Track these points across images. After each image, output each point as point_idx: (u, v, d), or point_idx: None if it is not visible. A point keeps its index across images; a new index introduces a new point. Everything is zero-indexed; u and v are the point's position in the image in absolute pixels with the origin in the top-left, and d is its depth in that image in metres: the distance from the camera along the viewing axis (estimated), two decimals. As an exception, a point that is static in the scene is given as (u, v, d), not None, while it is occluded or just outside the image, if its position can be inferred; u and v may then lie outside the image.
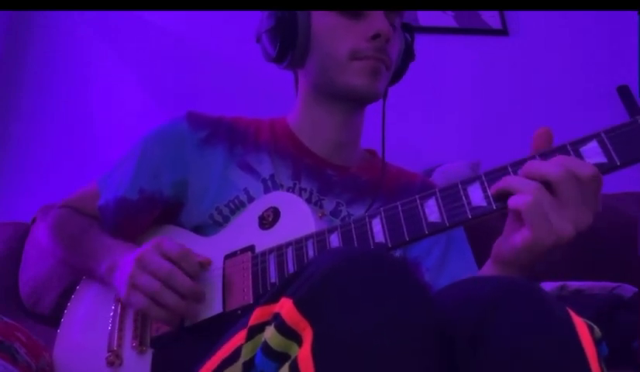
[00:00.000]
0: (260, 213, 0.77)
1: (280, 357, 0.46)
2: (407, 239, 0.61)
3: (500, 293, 0.48)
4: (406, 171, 0.98)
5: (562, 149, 0.56)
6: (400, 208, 0.62)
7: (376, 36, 0.80)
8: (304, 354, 0.43)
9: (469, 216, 0.58)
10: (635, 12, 1.90)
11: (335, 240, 0.65)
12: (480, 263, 0.87)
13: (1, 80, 1.77)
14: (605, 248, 1.34)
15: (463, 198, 0.59)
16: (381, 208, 0.64)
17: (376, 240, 0.62)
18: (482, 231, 1.00)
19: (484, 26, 2.01)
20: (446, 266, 0.86)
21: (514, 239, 0.56)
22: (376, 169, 0.92)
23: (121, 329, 0.77)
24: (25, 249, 1.32)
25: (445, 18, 1.99)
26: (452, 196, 0.59)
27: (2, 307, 1.20)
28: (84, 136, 1.76)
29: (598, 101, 1.88)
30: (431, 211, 0.60)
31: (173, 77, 1.85)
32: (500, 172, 0.58)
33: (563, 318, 0.47)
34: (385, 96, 0.89)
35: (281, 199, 0.77)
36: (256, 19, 0.91)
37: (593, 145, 0.55)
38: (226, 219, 0.83)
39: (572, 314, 0.48)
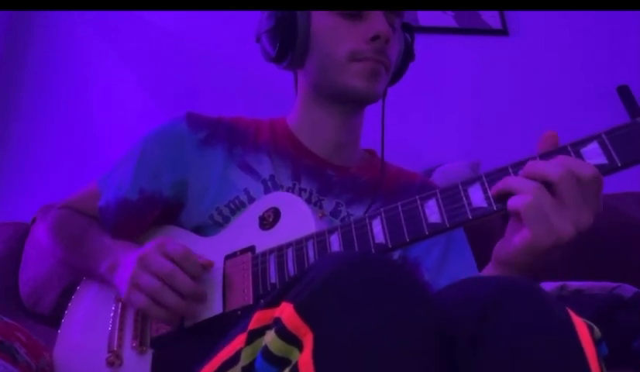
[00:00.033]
0: (261, 213, 0.77)
1: (281, 362, 0.46)
2: (408, 240, 0.61)
3: (500, 293, 0.48)
4: (406, 171, 0.98)
5: (562, 150, 0.56)
6: (400, 208, 0.62)
7: (375, 38, 0.80)
8: (304, 360, 0.43)
9: (470, 217, 0.58)
10: (636, 12, 1.90)
11: (335, 241, 0.65)
12: (480, 264, 0.87)
13: (1, 80, 1.77)
14: (605, 248, 1.34)
15: (464, 198, 0.59)
16: (381, 209, 0.64)
17: (377, 241, 0.62)
18: (482, 232, 1.00)
19: (484, 26, 2.01)
20: (446, 266, 0.86)
21: (513, 240, 0.56)
22: (376, 169, 0.92)
23: (121, 330, 0.77)
24: (25, 249, 1.32)
25: (445, 18, 1.99)
26: (452, 197, 0.59)
27: (2, 307, 1.20)
28: (84, 136, 1.76)
29: (598, 101, 1.88)
30: (432, 211, 0.60)
31: (173, 77, 1.85)
32: (500, 173, 0.58)
33: (563, 318, 0.47)
34: (385, 96, 0.89)
35: (282, 199, 0.77)
36: (256, 19, 0.91)
37: (594, 146, 0.55)
38: (226, 220, 0.83)
39: (572, 314, 0.48)
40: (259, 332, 0.50)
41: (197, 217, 0.85)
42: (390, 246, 0.62)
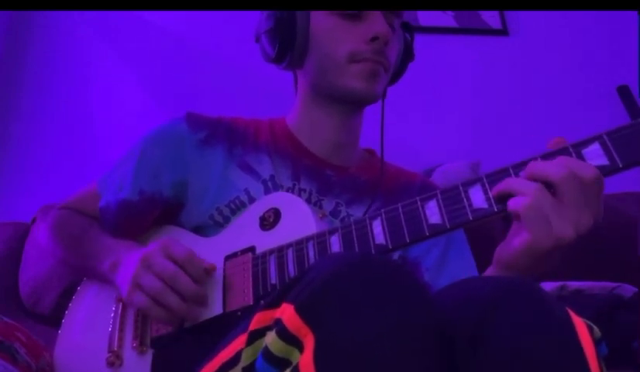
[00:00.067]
0: (261, 214, 0.77)
1: (282, 363, 0.46)
2: (408, 241, 0.61)
3: (500, 293, 0.48)
4: (405, 171, 0.98)
5: (563, 151, 0.56)
6: (400, 209, 0.62)
7: (374, 39, 0.80)
8: (305, 360, 0.43)
9: (470, 218, 0.58)
10: (635, 12, 1.90)
11: (335, 242, 0.65)
12: (480, 266, 0.87)
13: (1, 80, 1.77)
14: (605, 248, 1.34)
15: (464, 199, 0.59)
16: (382, 210, 0.64)
17: (377, 242, 0.62)
18: (482, 234, 1.00)
19: (484, 26, 2.01)
20: (446, 266, 0.86)
21: (514, 242, 0.56)
22: (376, 169, 0.92)
23: (121, 330, 0.77)
24: (25, 249, 1.32)
25: (445, 18, 1.99)
26: (453, 198, 0.59)
27: (2, 307, 1.20)
28: (84, 136, 1.76)
29: (598, 101, 1.88)
30: (432, 212, 0.60)
31: (173, 77, 1.85)
32: (501, 174, 0.58)
33: (563, 318, 0.47)
34: (384, 96, 0.89)
35: (282, 200, 0.77)
36: (256, 19, 0.91)
37: (595, 147, 0.55)
38: (227, 220, 0.83)
39: (572, 314, 0.48)
40: (260, 333, 0.50)
41: (198, 217, 0.85)
42: (390, 247, 0.62)
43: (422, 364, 0.43)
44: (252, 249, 0.73)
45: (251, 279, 0.70)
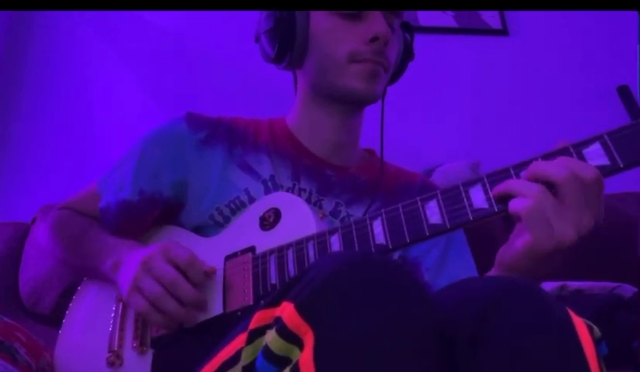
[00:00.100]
0: (261, 214, 0.77)
1: (282, 361, 0.46)
2: (408, 241, 0.61)
3: (500, 293, 0.48)
4: (405, 171, 0.98)
5: (564, 151, 0.56)
6: (401, 209, 0.62)
7: (374, 39, 0.80)
8: (305, 358, 0.43)
9: (471, 218, 0.58)
10: (635, 12, 1.90)
11: (335, 242, 0.65)
12: (480, 266, 0.87)
13: (1, 80, 1.77)
14: (605, 248, 1.34)
15: (465, 199, 0.59)
16: (382, 210, 0.64)
17: (377, 242, 0.62)
18: (482, 234, 1.00)
19: (484, 26, 2.01)
20: (445, 266, 0.86)
21: (515, 244, 0.56)
22: (376, 169, 0.92)
23: (121, 330, 0.77)
24: (25, 249, 1.32)
25: (445, 18, 1.99)
26: (453, 198, 0.59)
27: (2, 307, 1.20)
28: (84, 136, 1.76)
29: (598, 101, 1.88)
30: (433, 212, 0.60)
31: (173, 77, 1.85)
32: (502, 174, 0.58)
33: (563, 318, 0.47)
34: (384, 96, 0.89)
35: (282, 200, 0.77)
36: (256, 19, 0.91)
37: (596, 147, 0.55)
38: (227, 220, 0.83)
39: (572, 314, 0.48)
40: (260, 332, 0.50)
41: (198, 217, 0.85)
42: (390, 247, 0.62)
43: (422, 364, 0.43)
44: (252, 249, 0.73)
45: (251, 279, 0.70)
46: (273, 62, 0.87)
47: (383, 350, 0.42)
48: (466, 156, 1.64)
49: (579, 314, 0.48)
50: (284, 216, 0.75)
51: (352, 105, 0.87)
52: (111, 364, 0.74)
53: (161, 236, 0.87)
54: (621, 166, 0.53)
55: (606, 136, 0.54)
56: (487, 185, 0.58)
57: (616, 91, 1.83)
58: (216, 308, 0.71)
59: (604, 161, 0.54)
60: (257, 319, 0.50)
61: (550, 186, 0.54)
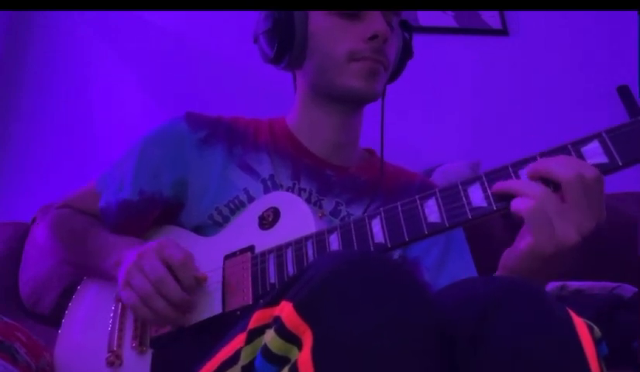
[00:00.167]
0: (260, 213, 0.77)
1: (281, 361, 0.46)
2: (407, 240, 0.61)
3: (500, 293, 0.48)
4: (405, 171, 0.98)
5: (563, 149, 0.56)
6: (400, 208, 0.62)
7: (373, 37, 0.80)
8: (304, 358, 0.43)
9: (470, 217, 0.58)
10: (635, 12, 1.89)
11: (334, 241, 0.65)
12: (479, 265, 0.87)
13: (1, 80, 1.77)
14: (605, 248, 1.33)
15: (463, 198, 0.58)
16: (381, 209, 0.64)
17: (376, 241, 0.62)
18: (481, 233, 1.00)
19: (484, 26, 2.01)
20: (445, 266, 0.86)
21: (519, 245, 0.56)
22: (376, 168, 0.92)
23: (121, 330, 0.77)
24: (25, 249, 1.32)
25: (445, 18, 1.99)
26: (452, 196, 0.59)
27: (2, 307, 1.20)
28: (84, 136, 1.76)
29: (598, 101, 1.88)
30: (431, 211, 0.60)
31: (173, 77, 1.85)
32: (500, 172, 0.58)
33: (563, 318, 0.47)
34: (384, 95, 0.89)
35: (281, 199, 0.77)
36: (255, 19, 0.91)
37: (595, 145, 0.55)
38: (226, 219, 0.83)
39: (572, 314, 0.48)
40: (259, 331, 0.50)
41: (197, 217, 0.85)
42: (389, 246, 0.62)
43: (422, 364, 0.43)
44: (251, 248, 0.73)
45: (250, 278, 0.70)
46: (273, 63, 0.87)
47: (383, 349, 0.41)
48: (466, 156, 1.64)
49: (580, 314, 0.48)
50: (283, 215, 0.75)
51: (351, 104, 0.87)
52: (110, 364, 0.74)
53: (161, 236, 0.87)
54: (620, 164, 0.53)
55: (604, 134, 0.54)
56: (486, 184, 0.58)
57: (616, 91, 1.83)
58: (215, 308, 0.71)
59: (603, 159, 0.54)
60: (256, 319, 0.50)
61: (551, 184, 0.54)
